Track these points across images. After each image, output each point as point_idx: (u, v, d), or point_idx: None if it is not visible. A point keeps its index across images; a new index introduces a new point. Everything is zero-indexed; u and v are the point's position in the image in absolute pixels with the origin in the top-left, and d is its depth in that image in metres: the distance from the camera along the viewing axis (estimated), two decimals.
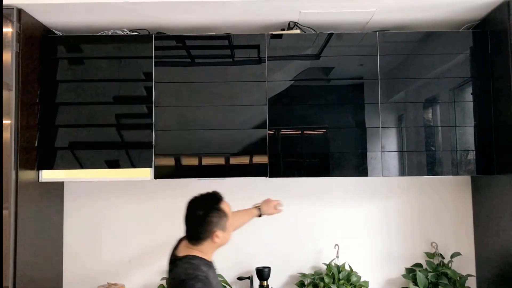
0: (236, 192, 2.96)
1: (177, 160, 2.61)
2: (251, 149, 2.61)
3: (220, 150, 2.61)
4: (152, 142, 2.59)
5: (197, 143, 2.61)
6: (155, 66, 2.63)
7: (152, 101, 2.62)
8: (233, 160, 2.61)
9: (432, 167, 2.60)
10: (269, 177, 2.59)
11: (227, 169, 2.62)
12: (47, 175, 2.62)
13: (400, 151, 2.62)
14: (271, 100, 2.61)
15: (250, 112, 2.62)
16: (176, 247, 2.09)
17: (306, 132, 2.64)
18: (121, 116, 2.64)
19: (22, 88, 2.44)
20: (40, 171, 2.60)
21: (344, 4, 2.50)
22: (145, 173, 2.61)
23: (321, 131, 2.62)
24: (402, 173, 2.61)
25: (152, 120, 2.60)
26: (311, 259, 2.94)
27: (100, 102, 2.63)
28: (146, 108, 2.63)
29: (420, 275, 2.74)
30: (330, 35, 2.65)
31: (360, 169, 2.60)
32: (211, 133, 2.61)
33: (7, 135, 2.36)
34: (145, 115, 2.62)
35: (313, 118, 2.62)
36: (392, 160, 2.61)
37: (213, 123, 2.61)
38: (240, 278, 2.84)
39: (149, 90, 2.62)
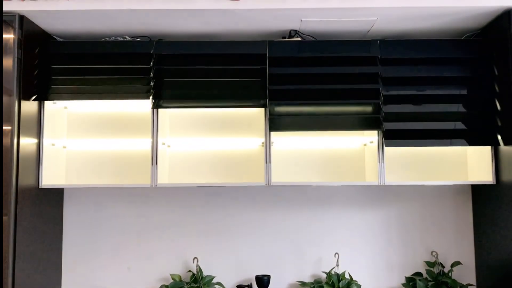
0: (236, 199, 2.96)
1: None
2: None
3: None
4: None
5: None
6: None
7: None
8: None
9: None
10: None
11: None
12: (47, 181, 2.62)
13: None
14: None
15: None
16: None
17: None
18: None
19: (23, 93, 2.45)
20: (40, 178, 2.60)
21: (345, 13, 2.51)
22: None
23: None
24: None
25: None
26: (311, 267, 2.93)
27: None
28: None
29: (420, 284, 2.73)
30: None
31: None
32: None
33: (7, 140, 2.36)
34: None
35: None
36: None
37: None
38: (239, 286, 2.82)
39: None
